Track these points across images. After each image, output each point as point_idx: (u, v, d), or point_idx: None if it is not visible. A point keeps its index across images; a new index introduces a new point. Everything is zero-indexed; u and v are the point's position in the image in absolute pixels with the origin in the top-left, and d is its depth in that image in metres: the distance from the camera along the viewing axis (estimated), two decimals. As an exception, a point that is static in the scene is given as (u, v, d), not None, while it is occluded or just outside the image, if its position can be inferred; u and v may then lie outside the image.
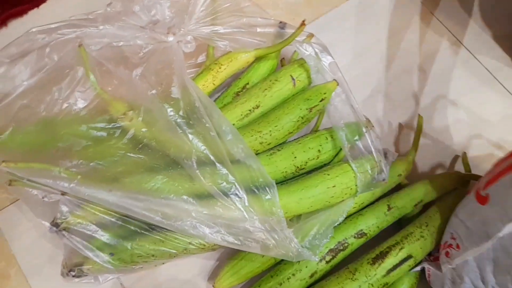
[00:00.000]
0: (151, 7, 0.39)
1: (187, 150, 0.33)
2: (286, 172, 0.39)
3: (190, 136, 0.33)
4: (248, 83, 0.44)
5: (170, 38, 0.39)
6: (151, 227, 0.35)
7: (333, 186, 0.38)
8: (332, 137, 0.41)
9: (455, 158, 0.46)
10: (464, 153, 0.45)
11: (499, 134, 0.47)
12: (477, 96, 0.49)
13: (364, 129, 0.40)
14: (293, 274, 0.37)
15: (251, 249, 0.33)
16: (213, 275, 0.41)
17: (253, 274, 0.38)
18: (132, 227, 0.35)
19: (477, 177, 0.42)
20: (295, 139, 0.41)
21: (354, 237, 0.39)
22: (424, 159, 0.46)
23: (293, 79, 0.42)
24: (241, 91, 0.43)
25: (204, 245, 0.37)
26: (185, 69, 0.38)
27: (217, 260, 0.42)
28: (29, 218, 0.41)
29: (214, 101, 0.44)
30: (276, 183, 0.38)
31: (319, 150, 0.40)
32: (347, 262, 0.39)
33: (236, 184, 0.33)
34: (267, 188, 0.35)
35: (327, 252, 0.38)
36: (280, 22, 0.43)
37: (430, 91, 0.49)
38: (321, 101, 0.40)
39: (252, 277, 0.39)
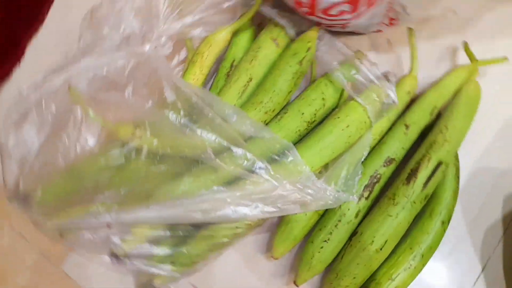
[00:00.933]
0: (118, 24, 0.39)
1: (200, 145, 0.34)
2: (299, 130, 0.40)
3: (198, 131, 0.34)
4: (234, 60, 0.44)
5: (146, 47, 0.39)
6: (197, 226, 0.37)
7: (347, 126, 0.38)
8: (331, 81, 0.41)
9: (454, 50, 0.46)
10: (465, 43, 0.44)
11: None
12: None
13: (357, 62, 0.40)
14: (339, 220, 0.39)
15: (291, 211, 0.35)
16: (269, 247, 0.43)
17: (303, 233, 0.40)
18: (181, 233, 0.37)
19: (483, 63, 0.42)
20: (297, 97, 0.42)
21: (384, 166, 0.40)
22: (426, 66, 0.45)
23: (274, 40, 0.42)
24: (230, 70, 0.44)
25: (250, 223, 0.39)
26: (171, 71, 0.39)
27: (267, 231, 0.44)
28: (90, 258, 0.44)
29: (209, 89, 0.45)
30: (294, 144, 0.40)
31: (323, 98, 0.40)
32: (385, 192, 0.40)
33: (256, 159, 0.34)
34: (286, 152, 0.36)
35: (364, 189, 0.39)
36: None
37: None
38: (307, 51, 0.41)
39: (303, 237, 0.41)
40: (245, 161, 0.34)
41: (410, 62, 0.43)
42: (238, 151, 0.34)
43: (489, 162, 0.43)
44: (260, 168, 0.34)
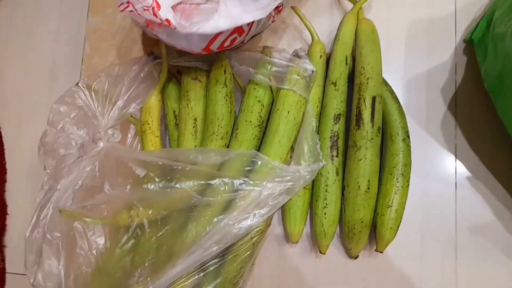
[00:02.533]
0: (68, 141, 0.44)
1: (186, 195, 0.40)
2: (255, 136, 0.45)
3: (178, 186, 0.40)
4: (175, 111, 0.49)
5: (101, 144, 0.44)
6: (221, 255, 0.42)
7: (288, 112, 0.44)
8: (257, 84, 0.46)
9: (336, 1, 0.52)
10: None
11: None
12: None
13: (267, 58, 0.46)
14: (326, 185, 0.44)
15: (283, 201, 0.40)
16: (286, 238, 0.49)
17: (306, 210, 0.46)
18: (211, 267, 0.42)
19: (365, 1, 0.48)
20: (240, 110, 0.47)
21: (335, 123, 0.45)
22: (323, 28, 0.51)
23: (195, 79, 0.47)
24: (176, 120, 0.49)
25: (260, 228, 0.44)
26: (130, 152, 0.44)
27: (278, 225, 0.49)
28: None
29: (169, 143, 0.50)
30: (257, 149, 0.45)
31: (259, 101, 0.46)
32: (348, 143, 0.46)
33: (232, 180, 0.40)
34: (254, 159, 0.42)
35: (331, 150, 0.45)
36: (148, 54, 0.49)
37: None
38: (225, 73, 0.46)
39: (307, 214, 0.46)
40: (226, 186, 0.40)
41: (310, 33, 0.49)
42: (216, 182, 0.40)
43: (414, 70, 0.49)
44: (240, 184, 0.40)
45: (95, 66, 0.56)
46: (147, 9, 0.34)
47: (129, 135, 0.52)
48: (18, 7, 0.59)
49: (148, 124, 0.48)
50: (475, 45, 0.45)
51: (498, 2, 0.42)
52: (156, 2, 0.35)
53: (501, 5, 0.42)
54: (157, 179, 0.40)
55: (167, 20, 0.35)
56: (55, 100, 0.46)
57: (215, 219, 0.40)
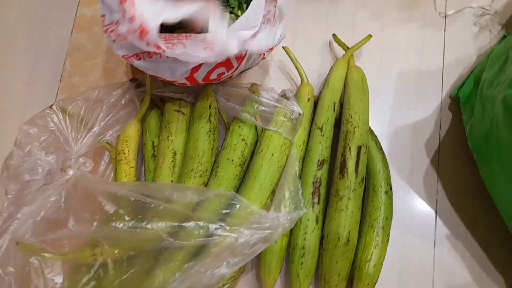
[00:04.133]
0: (34, 167, 0.41)
1: (156, 236, 0.37)
2: (236, 176, 0.43)
3: (149, 226, 0.37)
4: (153, 141, 0.47)
5: (70, 173, 0.41)
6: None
7: (272, 155, 0.42)
8: (242, 122, 0.45)
9: (330, 43, 0.51)
10: (334, 35, 0.49)
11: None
12: None
13: (254, 96, 0.45)
14: (305, 233, 0.43)
15: (259, 250, 0.38)
16: (260, 282, 0.46)
17: (281, 259, 0.43)
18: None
19: (354, 49, 0.47)
20: (222, 147, 0.46)
21: (319, 169, 0.44)
22: (313, 71, 0.51)
23: (178, 111, 0.45)
24: (154, 151, 0.47)
25: (233, 275, 0.42)
26: (101, 183, 0.41)
27: (251, 269, 0.47)
28: None
29: (144, 175, 0.48)
30: (237, 189, 0.43)
31: (242, 139, 0.44)
32: (330, 190, 0.44)
33: (207, 224, 0.37)
34: (232, 202, 0.40)
35: (312, 196, 0.44)
36: (131, 80, 0.47)
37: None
38: (210, 108, 0.44)
39: (283, 261, 0.44)
40: (200, 230, 0.37)
41: (299, 74, 0.48)
42: (189, 225, 0.37)
43: (400, 121, 0.49)
44: (215, 229, 0.38)
45: (74, 85, 0.54)
46: (134, 32, 0.32)
47: (103, 162, 0.49)
48: (1, 14, 0.57)
49: (124, 154, 0.45)
50: (461, 103, 0.45)
51: (487, 63, 0.42)
52: (143, 26, 0.33)
53: (490, 66, 0.42)
54: (127, 217, 0.37)
55: (156, 45, 0.33)
56: (27, 116, 0.43)
57: (185, 265, 0.37)
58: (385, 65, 0.50)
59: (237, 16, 0.40)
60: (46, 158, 0.42)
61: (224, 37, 0.32)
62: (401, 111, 0.49)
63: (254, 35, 0.35)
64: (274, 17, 0.38)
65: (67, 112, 0.44)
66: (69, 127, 0.43)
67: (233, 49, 0.33)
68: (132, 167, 0.46)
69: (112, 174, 0.48)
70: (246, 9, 0.38)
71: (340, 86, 0.46)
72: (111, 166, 0.49)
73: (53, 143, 0.42)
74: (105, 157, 0.49)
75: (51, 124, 0.43)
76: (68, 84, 0.54)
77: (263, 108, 0.45)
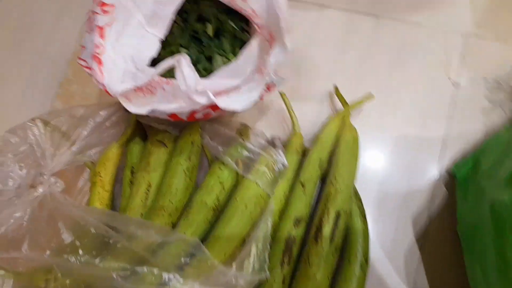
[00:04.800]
0: (5, 179, 0.40)
1: (107, 275, 0.35)
2: (207, 220, 0.42)
3: (101, 265, 0.36)
4: (133, 167, 0.46)
5: (40, 190, 0.41)
6: None
7: (246, 206, 0.40)
8: (224, 164, 0.43)
9: (330, 94, 0.49)
10: (335, 88, 0.47)
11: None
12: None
13: (241, 140, 0.43)
14: (268, 294, 0.41)
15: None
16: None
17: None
18: None
19: (354, 106, 0.45)
20: (199, 186, 0.44)
21: (295, 227, 0.42)
22: (308, 121, 0.48)
23: (161, 142, 0.44)
24: (132, 177, 0.46)
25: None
26: (68, 207, 0.40)
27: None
28: None
29: (120, 202, 0.46)
30: (205, 233, 0.42)
31: (220, 182, 0.43)
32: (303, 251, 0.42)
33: (162, 272, 0.36)
34: (194, 251, 0.38)
35: (283, 255, 0.41)
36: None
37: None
38: (192, 145, 0.43)
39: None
40: (153, 278, 0.36)
41: (292, 123, 0.46)
42: (143, 270, 0.36)
43: (390, 188, 0.46)
44: (169, 279, 0.36)
45: (72, 93, 0.53)
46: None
47: (82, 178, 0.49)
48: (11, 13, 0.57)
49: (100, 176, 0.44)
50: (458, 183, 0.42)
51: (487, 149, 0.39)
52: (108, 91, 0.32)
53: (491, 152, 0.39)
54: (81, 252, 0.36)
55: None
56: (21, 119, 0.42)
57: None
58: (384, 125, 0.48)
59: (228, 61, 0.38)
60: (19, 171, 0.41)
61: (191, 88, 0.30)
62: (393, 178, 0.46)
63: (237, 88, 0.34)
64: (265, 68, 0.37)
65: (49, 126, 0.43)
66: (48, 142, 0.43)
67: (200, 102, 0.31)
68: (106, 191, 0.45)
69: (86, 198, 0.47)
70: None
71: (330, 143, 0.44)
72: (88, 185, 0.48)
73: (29, 156, 0.42)
74: (85, 174, 0.48)
75: (31, 137, 0.42)
76: (67, 92, 0.54)
77: (247, 154, 0.43)
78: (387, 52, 0.50)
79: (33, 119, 0.43)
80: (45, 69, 0.54)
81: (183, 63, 0.30)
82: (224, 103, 0.32)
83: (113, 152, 0.45)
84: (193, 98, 0.31)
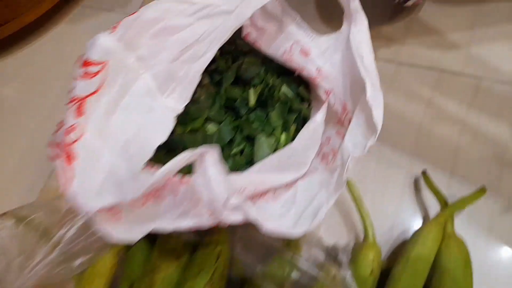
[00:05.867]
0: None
1: None
2: None
3: None
4: (133, 284, 0.33)
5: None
6: None
7: None
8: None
9: (416, 184, 0.35)
10: (424, 173, 0.33)
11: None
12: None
13: (289, 255, 0.29)
14: None
15: None
16: None
17: None
18: None
19: (459, 206, 0.31)
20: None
21: None
22: (384, 220, 0.34)
23: (174, 252, 0.31)
24: None
25: None
26: None
27: None
28: None
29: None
30: None
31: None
32: None
33: None
34: None
35: None
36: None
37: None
38: (217, 259, 0.29)
39: None
40: None
41: (363, 227, 0.32)
42: None
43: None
44: None
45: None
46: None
47: (68, 290, 0.36)
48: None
49: (87, 295, 0.31)
50: None
51: None
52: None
53: None
54: None
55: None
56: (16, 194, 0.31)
57: None
58: (498, 231, 0.32)
59: (278, 143, 0.25)
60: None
61: (218, 201, 0.17)
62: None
63: (292, 188, 0.21)
64: (335, 154, 0.23)
65: (25, 226, 0.31)
66: (17, 248, 0.30)
67: (232, 219, 0.18)
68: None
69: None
70: (296, 133, 0.24)
71: (427, 264, 0.29)
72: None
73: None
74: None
75: (-4, 240, 0.30)
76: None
77: (297, 275, 0.29)
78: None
79: (2, 215, 0.31)
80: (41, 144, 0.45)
81: (208, 160, 0.18)
82: (273, 223, 0.19)
83: (107, 263, 0.32)
84: (220, 215, 0.18)
